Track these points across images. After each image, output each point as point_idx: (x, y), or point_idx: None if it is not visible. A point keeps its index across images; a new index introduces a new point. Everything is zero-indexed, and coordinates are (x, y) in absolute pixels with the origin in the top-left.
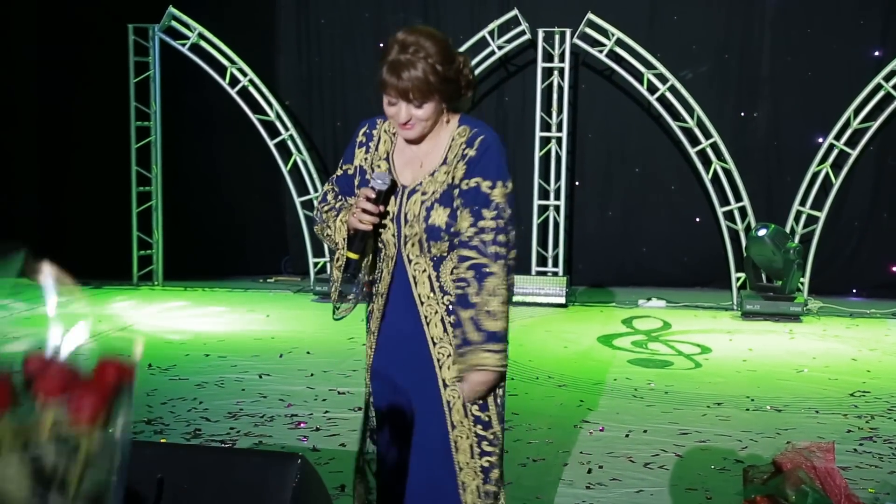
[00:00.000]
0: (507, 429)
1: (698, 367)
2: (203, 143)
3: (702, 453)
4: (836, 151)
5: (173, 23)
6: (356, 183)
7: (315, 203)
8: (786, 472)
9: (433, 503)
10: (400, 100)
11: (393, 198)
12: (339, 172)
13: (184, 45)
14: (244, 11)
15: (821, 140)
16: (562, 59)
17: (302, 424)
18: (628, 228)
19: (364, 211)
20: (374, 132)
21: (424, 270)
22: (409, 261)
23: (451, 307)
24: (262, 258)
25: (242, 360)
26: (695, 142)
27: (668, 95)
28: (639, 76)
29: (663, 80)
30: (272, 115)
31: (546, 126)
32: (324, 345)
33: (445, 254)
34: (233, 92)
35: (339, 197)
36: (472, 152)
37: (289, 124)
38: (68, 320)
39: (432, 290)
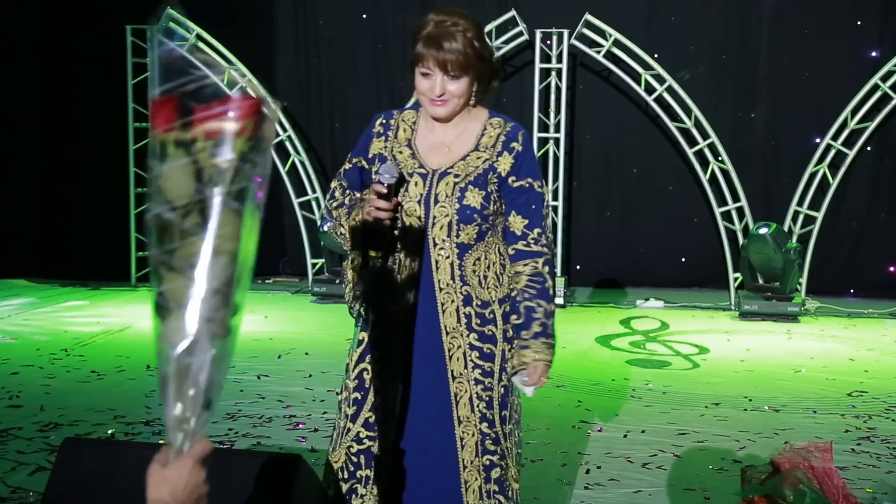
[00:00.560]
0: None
1: (696, 368)
2: None
3: (700, 453)
4: (833, 152)
5: (171, 24)
6: (373, 170)
7: (322, 202)
8: (784, 471)
9: (434, 500)
10: (437, 71)
11: (421, 179)
12: (348, 166)
13: (182, 46)
14: (242, 12)
15: (818, 140)
16: (559, 60)
17: (300, 425)
18: (626, 229)
19: (378, 209)
20: (392, 122)
21: (448, 257)
22: (435, 244)
23: (473, 295)
24: (260, 259)
25: (240, 360)
26: (692, 142)
27: (666, 96)
28: (636, 77)
29: (661, 80)
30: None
31: (544, 127)
32: (322, 346)
33: (473, 242)
34: (231, 93)
35: (347, 192)
36: (518, 146)
37: (287, 125)
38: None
39: (452, 277)
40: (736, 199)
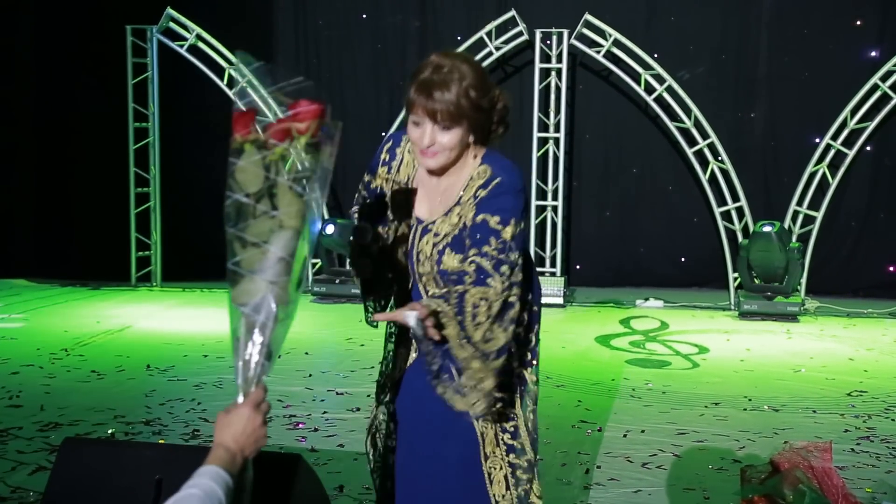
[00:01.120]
0: None
1: (696, 367)
2: (201, 145)
3: (699, 453)
4: (832, 152)
5: (171, 24)
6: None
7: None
8: (783, 471)
9: None
10: (426, 120)
11: (408, 230)
12: (367, 179)
13: (182, 46)
14: (242, 13)
15: (818, 140)
16: (559, 60)
17: (300, 425)
18: (626, 229)
19: (354, 260)
20: (398, 150)
21: None
22: (427, 292)
23: None
24: None
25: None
26: (692, 142)
27: (666, 96)
28: (636, 77)
29: (661, 80)
30: (270, 116)
31: (544, 126)
32: (322, 346)
33: None
34: (231, 93)
35: (368, 201)
36: (483, 193)
37: None
38: None
39: None
40: (735, 198)
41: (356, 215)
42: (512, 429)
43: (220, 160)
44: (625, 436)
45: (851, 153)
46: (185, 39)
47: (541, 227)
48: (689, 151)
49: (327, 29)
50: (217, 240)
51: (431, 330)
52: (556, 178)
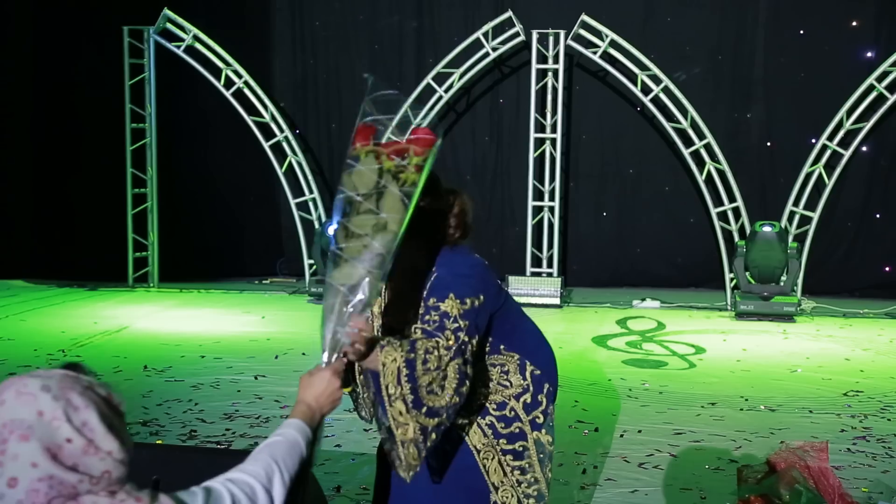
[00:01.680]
0: None
1: (692, 368)
2: (198, 145)
3: (696, 453)
4: (829, 152)
5: (168, 25)
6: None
7: (319, 203)
8: (780, 471)
9: None
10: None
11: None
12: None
13: (179, 47)
14: (239, 14)
15: (814, 141)
16: (556, 61)
17: None
18: (622, 229)
19: (354, 346)
20: None
21: None
22: None
23: (480, 405)
24: (258, 260)
25: (238, 361)
26: (688, 143)
27: (662, 97)
28: (632, 77)
29: (657, 81)
30: (267, 117)
31: (540, 127)
32: (319, 346)
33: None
34: (228, 94)
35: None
36: (425, 292)
37: (284, 126)
38: None
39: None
40: (732, 199)
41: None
42: (535, 493)
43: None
44: (622, 436)
45: (847, 154)
46: (182, 40)
47: (537, 228)
48: (686, 152)
49: (324, 30)
50: (214, 241)
51: (352, 349)
52: (552, 179)
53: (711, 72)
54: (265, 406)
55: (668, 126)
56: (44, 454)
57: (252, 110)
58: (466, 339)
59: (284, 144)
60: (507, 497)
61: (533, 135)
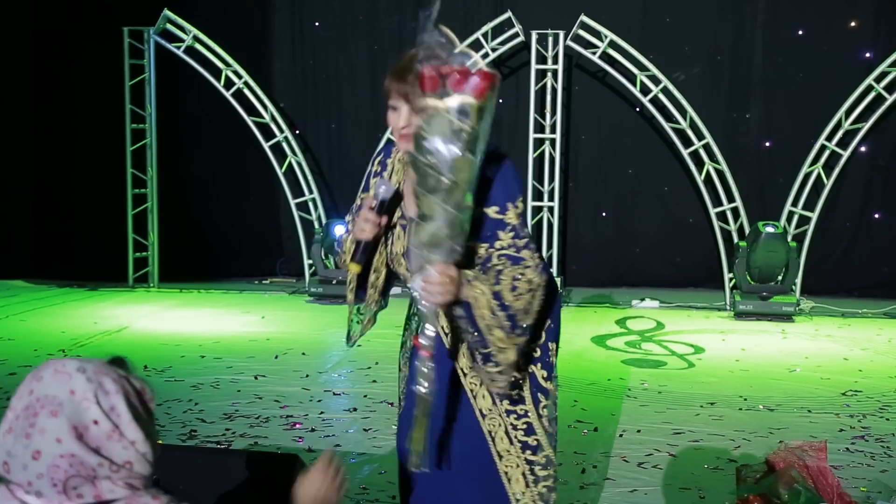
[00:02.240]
0: None
1: (691, 367)
2: (198, 145)
3: (695, 453)
4: (827, 152)
5: (168, 25)
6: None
7: (319, 203)
8: (778, 470)
9: None
10: (401, 103)
11: (402, 231)
12: (358, 202)
13: (179, 47)
14: (239, 14)
15: (812, 141)
16: (555, 61)
17: (297, 425)
18: (622, 229)
19: (365, 220)
20: (389, 161)
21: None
22: None
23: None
24: (258, 260)
25: (238, 361)
26: (687, 143)
27: (661, 97)
28: (632, 78)
29: (656, 81)
30: (267, 117)
31: (540, 127)
32: (319, 346)
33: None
34: (228, 94)
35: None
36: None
37: (283, 126)
38: None
39: (451, 320)
40: (731, 199)
41: (349, 225)
42: (524, 426)
43: (217, 160)
44: (621, 435)
45: (846, 154)
46: (182, 41)
47: (537, 228)
48: (685, 152)
49: (324, 30)
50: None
51: (441, 289)
52: (552, 179)
53: (710, 72)
54: (265, 406)
55: (667, 126)
56: (70, 432)
57: (252, 111)
58: (533, 242)
59: (284, 145)
60: (493, 426)
61: (532, 135)
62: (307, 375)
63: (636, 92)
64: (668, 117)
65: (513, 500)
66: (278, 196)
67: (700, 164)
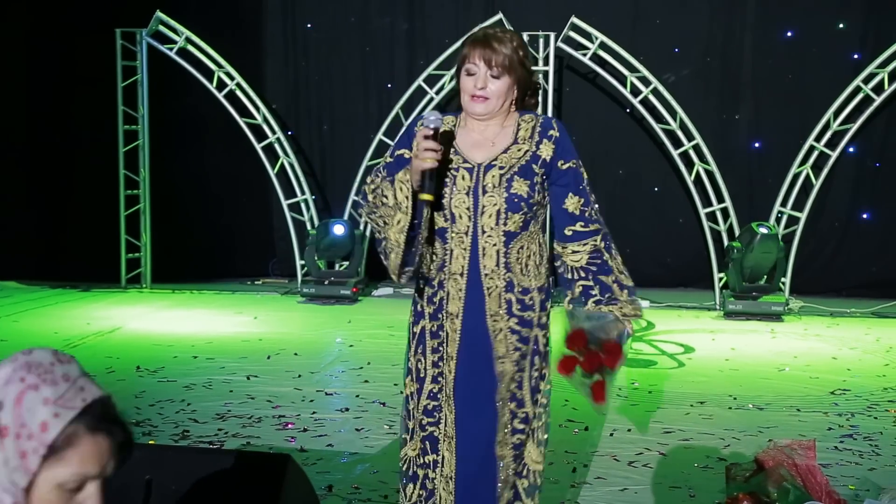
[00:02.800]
0: None
1: (682, 367)
2: (190, 147)
3: (685, 452)
4: (816, 153)
5: (161, 27)
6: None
7: (311, 205)
8: (768, 469)
9: (476, 475)
10: (482, 66)
11: (467, 173)
12: (389, 159)
13: (171, 49)
14: (231, 16)
15: (801, 142)
16: (546, 63)
17: (289, 425)
18: (612, 230)
19: (427, 149)
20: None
21: (495, 244)
22: (483, 231)
23: (514, 282)
24: (250, 260)
25: (230, 361)
26: (677, 144)
27: (651, 98)
28: (622, 79)
29: (646, 82)
30: (259, 119)
31: None
32: (311, 346)
33: (518, 231)
34: (220, 96)
35: (380, 182)
36: (555, 133)
37: (276, 127)
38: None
39: (497, 264)
40: (721, 199)
41: (373, 190)
42: (518, 378)
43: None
44: (611, 435)
45: (835, 154)
46: (175, 43)
47: None
48: (675, 153)
49: (316, 32)
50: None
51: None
52: None
53: (700, 73)
54: (257, 406)
55: (657, 127)
56: None
57: (244, 112)
58: None
59: (276, 146)
60: (503, 365)
61: None
62: (299, 376)
63: (626, 93)
64: (659, 118)
65: (496, 442)
66: (271, 197)
67: (690, 164)
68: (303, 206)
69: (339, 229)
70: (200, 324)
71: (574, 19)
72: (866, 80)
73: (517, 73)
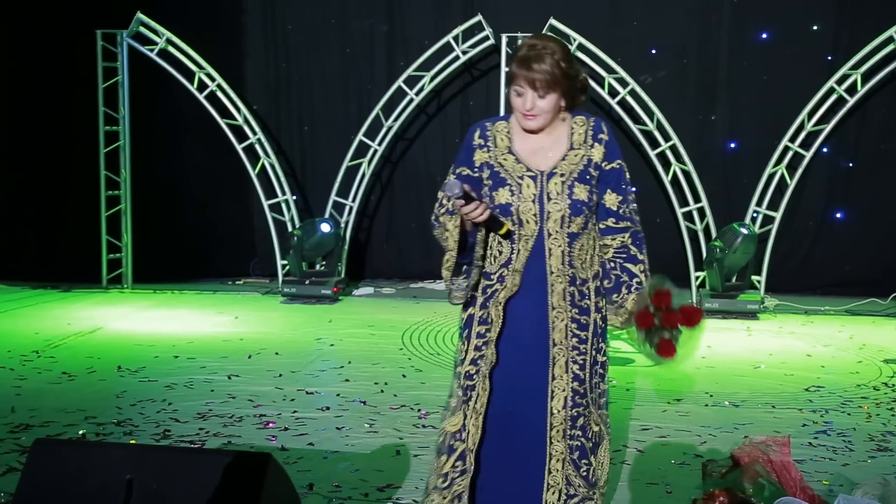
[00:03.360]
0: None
1: (659, 365)
2: (171, 148)
3: (662, 448)
4: (790, 153)
5: (141, 28)
6: (485, 177)
7: (292, 205)
8: (743, 465)
9: (525, 441)
10: (527, 89)
11: (532, 181)
12: (452, 177)
13: (152, 50)
14: (212, 17)
15: (776, 142)
16: None
17: (270, 424)
18: None
19: (470, 213)
20: (489, 133)
21: (560, 245)
22: (549, 235)
23: (576, 276)
24: (231, 261)
25: (211, 361)
26: (655, 144)
27: (629, 99)
28: (600, 80)
29: (624, 84)
30: (240, 120)
31: None
32: (292, 345)
33: (579, 231)
34: (201, 97)
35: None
36: (605, 136)
37: (256, 128)
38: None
39: (562, 263)
40: (697, 199)
41: (442, 214)
42: (581, 361)
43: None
44: None
45: (809, 155)
46: (156, 44)
47: None
48: (652, 153)
49: (296, 33)
50: (187, 242)
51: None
52: None
53: (677, 75)
54: (238, 405)
55: (634, 128)
56: None
57: (225, 113)
58: None
59: (257, 147)
60: (558, 353)
61: None
62: (280, 375)
63: (604, 94)
64: (636, 119)
65: (548, 413)
66: (251, 197)
67: (667, 164)
68: (283, 206)
69: (326, 227)
70: (182, 324)
71: (552, 21)
72: (840, 82)
73: (562, 86)
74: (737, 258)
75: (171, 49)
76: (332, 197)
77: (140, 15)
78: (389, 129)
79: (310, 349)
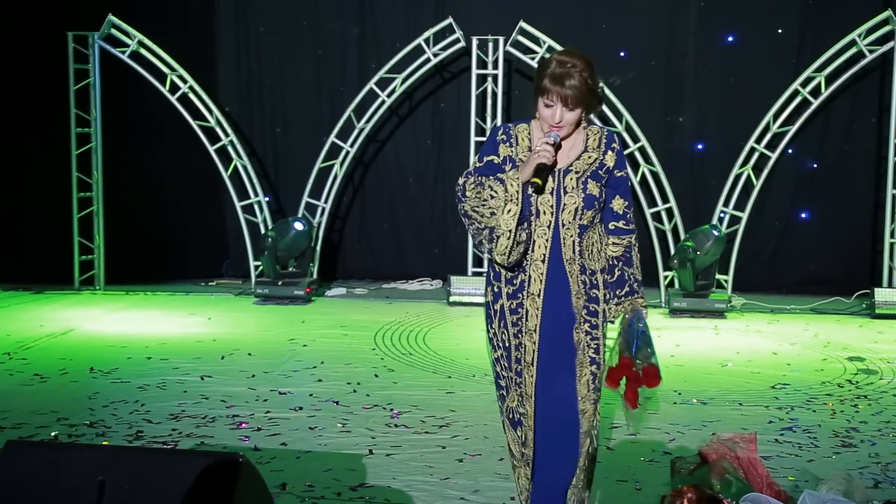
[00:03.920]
0: (444, 425)
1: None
2: (144, 149)
3: (631, 446)
4: (756, 154)
5: (113, 31)
6: (507, 170)
7: (265, 207)
8: (711, 462)
9: (561, 423)
10: (558, 103)
11: (550, 177)
12: (480, 164)
13: (124, 52)
14: (183, 19)
15: (742, 143)
16: (495, 66)
17: (243, 425)
18: None
19: (546, 150)
20: (511, 132)
21: (571, 236)
22: (563, 225)
23: (585, 266)
24: (204, 262)
25: (184, 362)
26: (623, 146)
27: None
28: None
29: None
30: (212, 122)
31: (481, 131)
32: (265, 346)
33: (589, 224)
34: (173, 98)
35: (483, 179)
36: (617, 146)
37: (229, 130)
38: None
39: (574, 252)
40: (665, 200)
41: (476, 185)
42: (595, 345)
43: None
44: None
45: (774, 156)
46: (127, 46)
47: None
48: None
49: (268, 35)
50: (160, 243)
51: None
52: None
53: (645, 77)
54: (211, 406)
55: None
56: None
57: (197, 115)
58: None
59: (230, 148)
60: (578, 337)
61: (473, 138)
62: (253, 375)
63: None
64: (605, 121)
65: (578, 396)
66: (224, 199)
67: (636, 165)
68: (256, 207)
69: (299, 225)
70: (154, 325)
71: (522, 24)
72: (804, 84)
73: (587, 101)
74: (705, 258)
75: (142, 51)
76: (305, 198)
77: (111, 17)
78: (361, 130)
79: (283, 350)
